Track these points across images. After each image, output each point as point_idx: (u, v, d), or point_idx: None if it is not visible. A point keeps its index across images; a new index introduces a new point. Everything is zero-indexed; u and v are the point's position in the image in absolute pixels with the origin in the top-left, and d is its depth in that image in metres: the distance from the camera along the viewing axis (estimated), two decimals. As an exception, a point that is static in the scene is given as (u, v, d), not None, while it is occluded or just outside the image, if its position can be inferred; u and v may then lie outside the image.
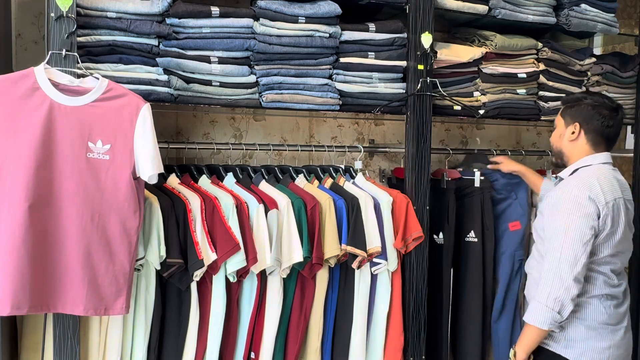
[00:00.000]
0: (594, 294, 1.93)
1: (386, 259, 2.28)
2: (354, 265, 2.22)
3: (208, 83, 2.17)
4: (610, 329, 1.95)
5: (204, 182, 2.25)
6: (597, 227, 1.87)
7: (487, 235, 2.54)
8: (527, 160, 3.02)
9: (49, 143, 1.77)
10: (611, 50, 3.24)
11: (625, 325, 2.00)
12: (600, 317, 1.93)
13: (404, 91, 2.45)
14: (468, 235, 2.53)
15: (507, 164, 2.60)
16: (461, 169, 2.71)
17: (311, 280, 2.22)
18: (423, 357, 2.45)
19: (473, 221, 2.54)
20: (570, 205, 1.88)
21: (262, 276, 2.15)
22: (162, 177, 2.12)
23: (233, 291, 2.13)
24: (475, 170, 2.57)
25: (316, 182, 2.40)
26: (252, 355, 2.19)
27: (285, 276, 2.16)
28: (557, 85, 2.76)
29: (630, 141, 3.10)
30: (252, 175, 2.36)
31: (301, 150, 2.50)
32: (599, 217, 1.87)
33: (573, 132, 2.04)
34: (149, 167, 1.86)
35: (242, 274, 2.09)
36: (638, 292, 2.94)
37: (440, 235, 2.52)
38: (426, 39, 2.38)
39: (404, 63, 2.44)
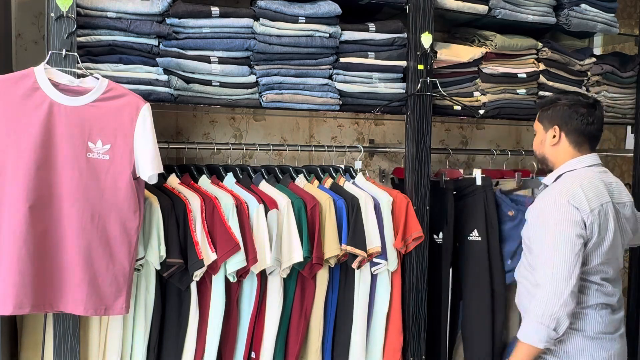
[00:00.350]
0: (589, 303, 1.88)
1: (386, 259, 2.28)
2: (354, 265, 2.23)
3: (208, 83, 2.17)
4: (608, 338, 1.90)
5: (204, 182, 2.25)
6: (585, 236, 1.80)
7: (492, 233, 2.51)
8: (527, 160, 3.02)
9: (49, 143, 1.77)
10: (611, 50, 3.24)
11: (621, 332, 1.95)
12: (597, 326, 1.88)
13: (404, 91, 2.45)
14: (471, 234, 2.53)
15: None
16: (519, 192, 2.64)
17: (311, 280, 2.22)
18: (423, 357, 2.45)
19: (476, 220, 2.52)
20: (555, 215, 1.80)
21: (262, 276, 2.15)
22: (162, 177, 2.12)
23: (233, 291, 2.13)
24: (475, 169, 2.57)
25: (316, 182, 2.40)
26: (253, 355, 2.19)
27: (285, 276, 2.16)
28: (557, 85, 2.76)
29: (630, 141, 3.10)
30: (252, 175, 2.36)
31: (301, 150, 2.50)
32: (585, 226, 1.80)
33: (554, 136, 1.96)
34: (149, 167, 1.86)
35: (242, 274, 2.09)
36: (638, 292, 2.94)
37: (440, 235, 2.52)
38: (426, 39, 2.38)
39: (404, 63, 2.44)
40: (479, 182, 2.52)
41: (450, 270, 2.54)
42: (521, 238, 2.08)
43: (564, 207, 1.80)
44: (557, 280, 1.75)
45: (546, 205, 1.84)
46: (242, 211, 2.08)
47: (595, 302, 1.88)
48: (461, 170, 2.70)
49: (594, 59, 2.83)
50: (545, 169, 2.05)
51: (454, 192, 2.58)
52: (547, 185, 1.98)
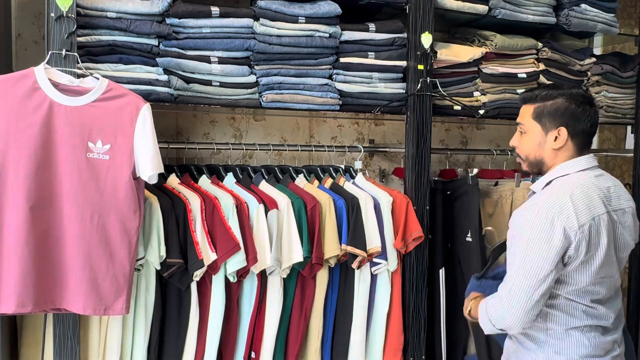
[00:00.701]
0: (574, 325, 1.65)
1: (386, 259, 2.28)
2: (354, 265, 2.23)
3: (208, 83, 2.17)
4: None
5: (204, 182, 2.25)
6: (562, 259, 1.58)
7: (479, 234, 2.50)
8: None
9: (49, 143, 1.77)
10: (611, 50, 3.24)
11: (615, 353, 1.70)
12: (582, 349, 1.64)
13: (404, 91, 2.45)
14: (467, 236, 2.52)
15: None
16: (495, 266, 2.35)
17: (311, 280, 2.22)
18: (423, 357, 2.44)
19: (470, 221, 2.52)
20: (532, 231, 1.58)
21: (262, 276, 2.15)
22: (162, 177, 2.12)
23: (233, 291, 2.13)
24: (471, 169, 2.57)
25: (316, 182, 2.40)
26: (253, 355, 2.19)
27: (285, 276, 2.16)
28: (557, 85, 2.76)
29: (630, 141, 3.10)
30: (252, 175, 2.36)
31: (301, 150, 2.50)
32: (568, 246, 1.57)
33: (556, 138, 1.68)
34: (149, 167, 1.86)
35: (242, 274, 2.09)
36: (638, 292, 2.94)
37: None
38: (426, 39, 2.38)
39: (404, 63, 2.44)
40: (469, 181, 2.53)
41: (442, 271, 2.53)
42: None
43: (545, 224, 1.56)
44: (513, 299, 1.59)
45: (528, 217, 1.61)
46: (242, 211, 2.08)
47: (582, 324, 1.65)
48: (459, 170, 2.70)
49: (594, 59, 2.83)
50: (535, 172, 1.79)
51: (449, 192, 2.58)
52: (534, 192, 1.74)
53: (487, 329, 1.71)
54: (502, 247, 1.98)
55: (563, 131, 1.67)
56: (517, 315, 1.59)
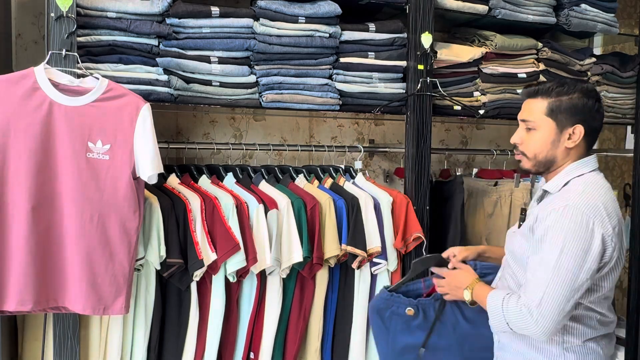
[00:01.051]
0: (591, 336, 1.60)
1: (386, 259, 2.28)
2: (354, 265, 2.23)
3: (208, 83, 2.17)
4: None
5: (204, 182, 2.25)
6: (597, 266, 1.51)
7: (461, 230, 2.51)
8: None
9: (49, 143, 1.78)
10: (611, 50, 3.24)
11: (617, 358, 1.76)
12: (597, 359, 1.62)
13: (404, 91, 2.45)
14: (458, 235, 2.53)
15: (458, 256, 1.90)
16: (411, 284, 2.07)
17: (311, 280, 2.22)
18: (423, 357, 2.45)
19: (453, 218, 2.53)
20: (567, 236, 1.48)
21: (262, 276, 2.15)
22: (162, 177, 2.12)
23: (233, 291, 2.13)
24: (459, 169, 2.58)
25: (316, 182, 2.40)
26: (252, 355, 2.19)
27: (285, 276, 2.16)
28: (557, 85, 2.75)
29: (630, 141, 3.10)
30: (252, 175, 2.36)
31: (301, 150, 2.50)
32: (604, 252, 1.50)
33: (570, 137, 1.59)
34: (149, 167, 1.86)
35: (242, 274, 2.09)
36: (638, 292, 2.94)
37: None
38: (426, 39, 2.38)
39: (404, 63, 2.44)
40: (459, 181, 2.54)
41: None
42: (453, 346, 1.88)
43: (582, 230, 1.48)
44: (544, 310, 1.49)
45: (561, 219, 1.50)
46: (242, 211, 2.08)
47: (597, 335, 1.61)
48: (459, 170, 2.70)
49: (594, 59, 2.83)
50: (539, 172, 1.68)
51: (443, 193, 2.58)
52: (547, 192, 1.65)
53: (500, 328, 1.61)
54: (425, 262, 1.96)
55: (579, 129, 1.58)
56: (546, 327, 1.50)
